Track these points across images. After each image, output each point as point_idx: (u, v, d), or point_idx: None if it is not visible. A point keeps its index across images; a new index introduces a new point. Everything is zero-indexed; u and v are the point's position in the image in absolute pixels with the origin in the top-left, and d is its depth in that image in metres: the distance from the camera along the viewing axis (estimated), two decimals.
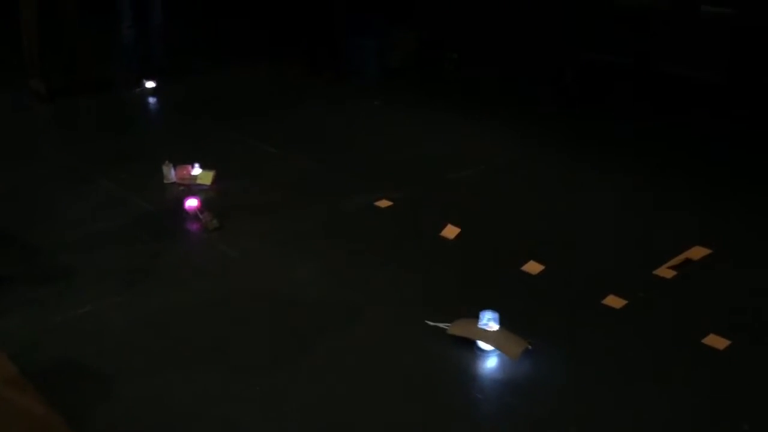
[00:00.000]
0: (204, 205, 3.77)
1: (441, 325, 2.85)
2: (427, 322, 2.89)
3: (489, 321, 2.79)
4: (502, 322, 2.80)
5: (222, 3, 8.63)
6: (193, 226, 3.70)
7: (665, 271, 3.34)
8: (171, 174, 4.19)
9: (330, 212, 3.89)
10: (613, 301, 3.11)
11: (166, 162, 4.21)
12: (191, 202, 3.78)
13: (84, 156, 4.60)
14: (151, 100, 5.76)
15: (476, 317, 2.81)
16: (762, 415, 2.49)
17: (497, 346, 2.73)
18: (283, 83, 6.29)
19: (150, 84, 5.79)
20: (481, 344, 2.76)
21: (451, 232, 3.67)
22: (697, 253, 3.48)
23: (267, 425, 2.43)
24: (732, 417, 2.48)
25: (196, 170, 4.21)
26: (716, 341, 2.85)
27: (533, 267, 3.36)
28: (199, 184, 4.15)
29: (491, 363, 2.72)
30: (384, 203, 3.98)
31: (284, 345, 2.83)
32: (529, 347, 2.74)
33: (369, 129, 5.21)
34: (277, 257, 3.44)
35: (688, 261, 3.43)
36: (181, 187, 4.13)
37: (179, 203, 3.85)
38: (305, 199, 4.05)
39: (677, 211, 3.95)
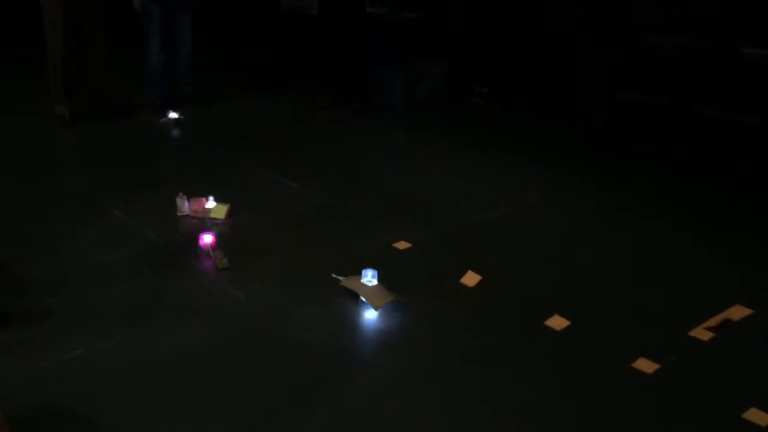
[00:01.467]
0: (216, 242, 3.62)
1: (339, 278, 3.39)
2: (333, 275, 3.41)
3: (371, 278, 3.32)
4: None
5: (250, 30, 8.61)
6: (202, 264, 3.55)
7: (702, 332, 3.08)
8: (185, 206, 4.06)
9: (346, 253, 3.70)
10: (645, 365, 2.86)
11: (180, 194, 4.08)
12: (207, 238, 3.63)
13: (99, 183, 4.50)
14: (174, 129, 5.67)
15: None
16: None
17: (365, 297, 3.22)
18: (308, 113, 6.18)
19: (174, 115, 5.70)
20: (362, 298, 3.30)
21: (471, 279, 3.46)
22: (738, 313, 3.22)
23: None
24: None
25: (211, 203, 4.08)
26: (757, 416, 2.58)
27: (558, 322, 3.13)
28: (213, 218, 4.01)
29: None
30: (403, 245, 3.79)
31: (283, 397, 2.64)
32: (397, 301, 3.20)
33: (392, 164, 5.04)
34: (285, 301, 3.26)
35: (727, 321, 3.17)
36: (194, 220, 3.99)
37: (190, 238, 3.71)
38: (320, 239, 3.88)
39: (719, 263, 3.69)
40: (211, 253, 3.55)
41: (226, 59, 8.11)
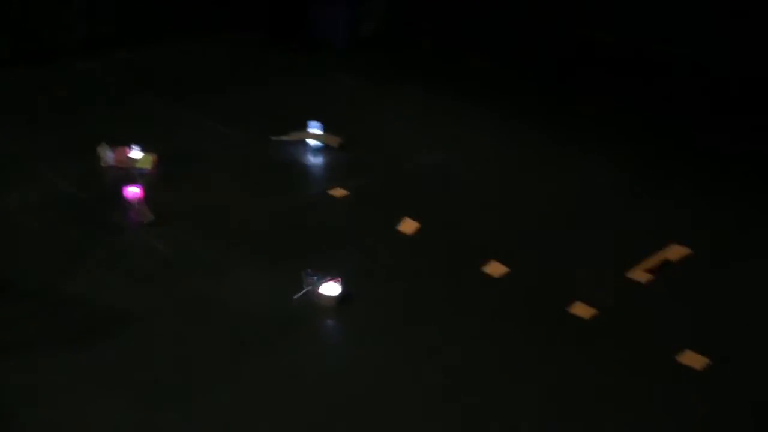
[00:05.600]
0: (142, 194, 3.42)
1: (283, 137, 3.96)
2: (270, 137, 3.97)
3: (315, 128, 4.04)
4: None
5: None
6: (127, 218, 3.36)
7: (640, 274, 3.05)
8: (108, 157, 3.84)
9: (278, 203, 3.55)
10: (581, 310, 2.81)
11: (102, 143, 3.85)
12: (132, 191, 3.42)
13: (18, 133, 4.23)
14: (95, 73, 5.34)
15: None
16: None
17: (323, 140, 4.04)
18: (241, 55, 5.87)
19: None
20: (310, 141, 4.10)
21: (409, 226, 3.36)
22: (676, 253, 3.19)
23: None
24: None
25: (136, 153, 3.86)
26: (692, 359, 2.56)
27: (496, 269, 3.06)
28: (139, 169, 3.80)
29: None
30: (339, 192, 3.65)
31: (208, 363, 2.52)
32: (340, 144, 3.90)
33: (332, 109, 4.81)
34: (216, 258, 3.11)
35: (665, 262, 3.14)
36: (120, 171, 3.78)
37: (115, 190, 3.50)
38: (252, 188, 3.71)
39: (658, 204, 3.64)
40: (137, 207, 3.36)
41: None
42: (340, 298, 2.81)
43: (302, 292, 2.80)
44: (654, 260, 3.13)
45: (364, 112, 4.74)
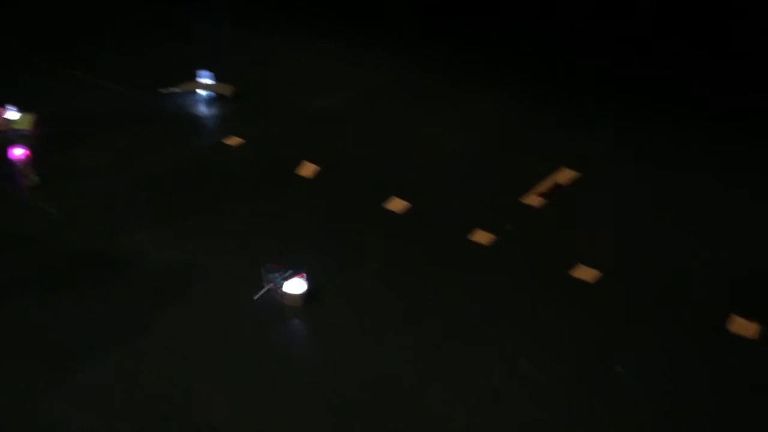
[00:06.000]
0: (26, 156, 3.23)
1: (172, 89, 3.96)
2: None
3: (206, 78, 3.98)
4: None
5: None
6: (10, 182, 3.17)
7: (534, 199, 3.19)
8: None
9: (171, 155, 3.45)
10: (481, 237, 2.92)
11: None
12: (17, 152, 3.22)
13: None
14: None
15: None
16: (636, 353, 2.39)
17: (213, 90, 3.98)
18: (121, 5, 5.55)
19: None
20: (201, 91, 4.01)
21: (308, 170, 3.35)
22: (565, 176, 3.35)
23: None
24: (603, 357, 2.38)
25: (12, 113, 3.63)
26: (584, 272, 2.73)
27: (397, 205, 3.11)
28: (17, 130, 3.59)
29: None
30: (234, 140, 3.58)
31: (104, 333, 2.46)
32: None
33: (213, 52, 4.62)
34: (108, 220, 3.00)
35: (556, 186, 3.29)
36: None
37: None
38: (141, 140, 3.59)
39: (545, 130, 3.78)
40: (23, 169, 3.19)
41: None
42: (306, 296, 2.56)
43: (262, 291, 2.57)
44: (545, 185, 3.27)
45: (253, 61, 4.63)
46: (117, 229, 2.93)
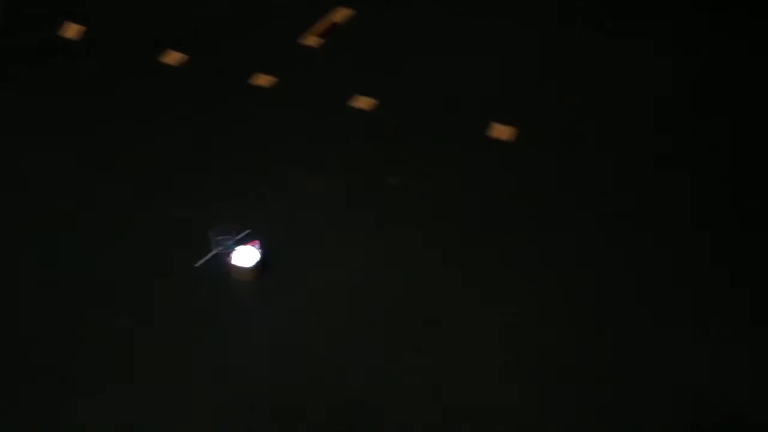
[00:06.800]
0: None
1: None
2: None
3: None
4: None
5: None
6: None
7: (312, 39, 3.23)
8: None
9: None
10: (262, 80, 2.97)
11: None
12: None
13: None
14: None
15: None
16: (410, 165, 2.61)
17: None
18: None
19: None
20: None
21: (72, 31, 3.15)
22: (341, 15, 3.40)
23: None
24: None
25: None
26: (361, 102, 2.88)
27: (173, 58, 3.05)
28: None
29: None
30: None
31: None
32: None
33: None
34: None
35: (333, 25, 3.34)
36: None
37: None
38: None
39: None
40: None
41: None
42: (260, 266, 2.14)
43: (207, 257, 2.15)
44: (322, 24, 3.32)
45: None
46: None
